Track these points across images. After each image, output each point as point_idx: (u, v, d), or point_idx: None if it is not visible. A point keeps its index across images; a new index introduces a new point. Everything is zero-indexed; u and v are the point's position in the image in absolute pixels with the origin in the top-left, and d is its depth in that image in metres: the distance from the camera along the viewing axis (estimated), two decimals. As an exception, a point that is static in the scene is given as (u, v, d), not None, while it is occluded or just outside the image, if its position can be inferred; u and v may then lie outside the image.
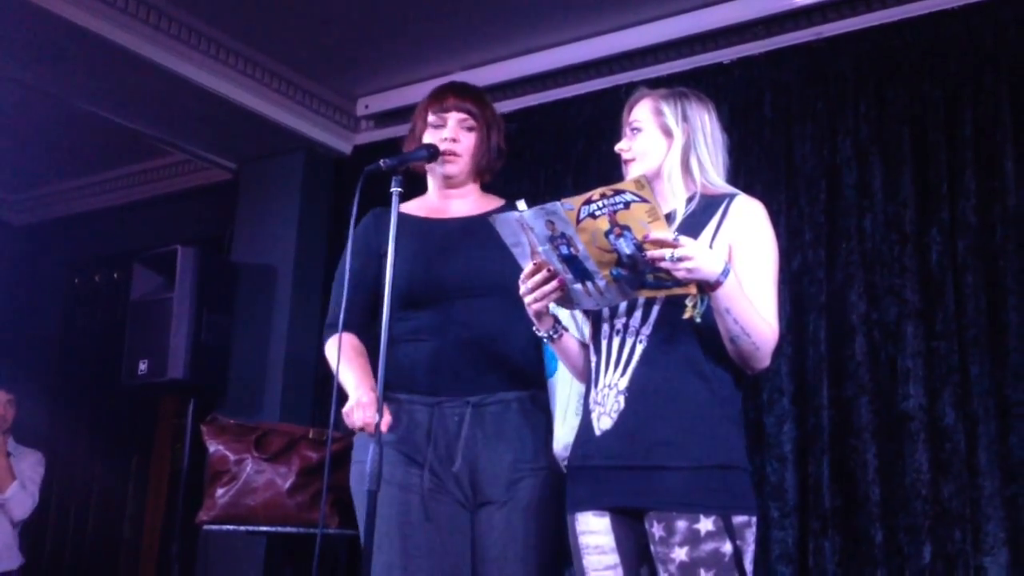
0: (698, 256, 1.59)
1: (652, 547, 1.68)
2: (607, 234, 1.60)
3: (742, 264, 1.72)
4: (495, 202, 2.14)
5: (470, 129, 2.10)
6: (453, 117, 2.09)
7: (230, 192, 4.22)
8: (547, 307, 1.77)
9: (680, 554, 1.63)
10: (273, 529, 3.15)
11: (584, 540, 1.75)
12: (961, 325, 2.69)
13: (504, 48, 3.52)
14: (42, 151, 4.62)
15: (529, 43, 3.47)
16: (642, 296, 1.71)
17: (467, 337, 1.98)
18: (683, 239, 1.59)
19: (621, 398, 1.72)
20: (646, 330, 1.73)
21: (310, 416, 3.76)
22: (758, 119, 3.16)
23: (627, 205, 1.56)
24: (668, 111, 1.84)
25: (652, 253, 1.58)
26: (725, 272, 1.61)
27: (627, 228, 1.58)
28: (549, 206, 1.63)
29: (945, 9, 2.93)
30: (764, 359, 1.70)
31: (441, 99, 2.11)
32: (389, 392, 1.85)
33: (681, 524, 1.64)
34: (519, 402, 2.00)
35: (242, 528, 3.16)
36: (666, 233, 1.58)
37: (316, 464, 3.18)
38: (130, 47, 3.26)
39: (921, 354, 2.72)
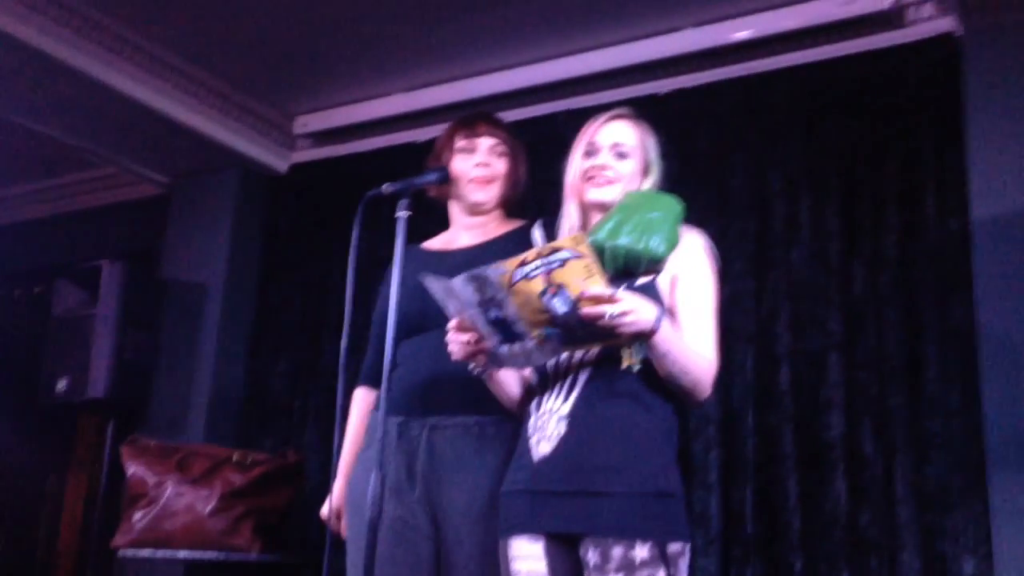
0: (636, 308, 1.59)
1: (586, 574, 1.66)
2: (541, 295, 1.56)
3: (682, 297, 1.76)
4: (514, 224, 2.10)
5: (502, 155, 2.08)
6: (485, 142, 2.06)
7: (162, 207, 4.13)
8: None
9: (615, 581, 1.62)
10: (191, 555, 3.07)
11: (517, 565, 1.72)
12: (882, 356, 2.75)
13: (443, 72, 3.52)
14: (-36, 160, 4.48)
15: (466, 68, 3.48)
16: (568, 351, 1.70)
17: (436, 360, 1.90)
18: (620, 293, 1.59)
19: (563, 424, 1.71)
20: (590, 359, 1.74)
21: (235, 438, 3.68)
22: (692, 150, 3.20)
23: (563, 263, 1.53)
24: (652, 149, 1.89)
25: (588, 310, 1.57)
26: (659, 318, 1.62)
27: (562, 286, 1.55)
28: (478, 272, 1.57)
29: (873, 49, 3.01)
30: (704, 392, 1.74)
31: (471, 124, 2.08)
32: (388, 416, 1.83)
33: (617, 551, 1.63)
34: (480, 427, 1.93)
35: (159, 553, 3.08)
36: (603, 289, 1.57)
37: (239, 488, 3.11)
38: (56, 55, 3.17)
39: (842, 385, 2.76)
